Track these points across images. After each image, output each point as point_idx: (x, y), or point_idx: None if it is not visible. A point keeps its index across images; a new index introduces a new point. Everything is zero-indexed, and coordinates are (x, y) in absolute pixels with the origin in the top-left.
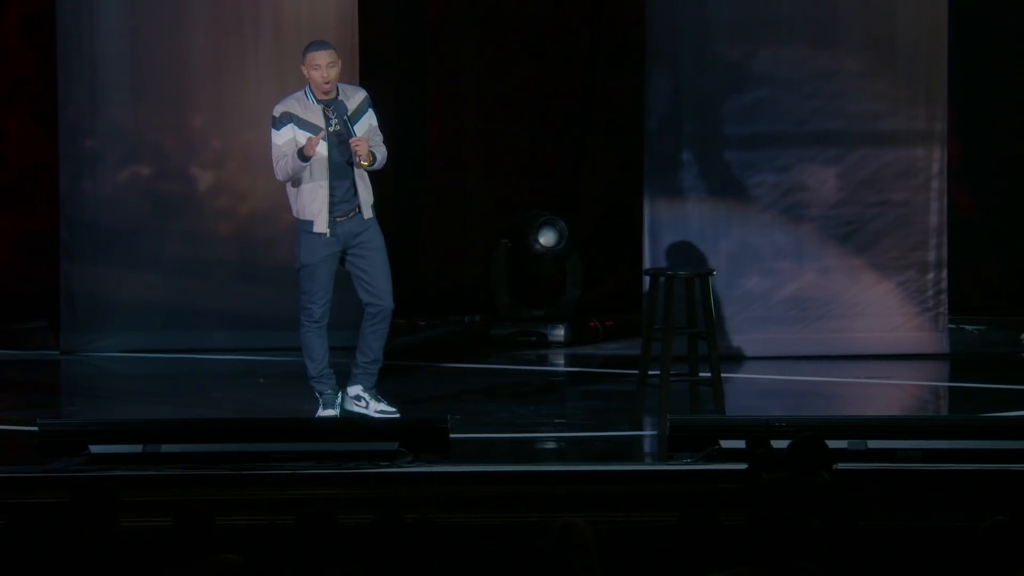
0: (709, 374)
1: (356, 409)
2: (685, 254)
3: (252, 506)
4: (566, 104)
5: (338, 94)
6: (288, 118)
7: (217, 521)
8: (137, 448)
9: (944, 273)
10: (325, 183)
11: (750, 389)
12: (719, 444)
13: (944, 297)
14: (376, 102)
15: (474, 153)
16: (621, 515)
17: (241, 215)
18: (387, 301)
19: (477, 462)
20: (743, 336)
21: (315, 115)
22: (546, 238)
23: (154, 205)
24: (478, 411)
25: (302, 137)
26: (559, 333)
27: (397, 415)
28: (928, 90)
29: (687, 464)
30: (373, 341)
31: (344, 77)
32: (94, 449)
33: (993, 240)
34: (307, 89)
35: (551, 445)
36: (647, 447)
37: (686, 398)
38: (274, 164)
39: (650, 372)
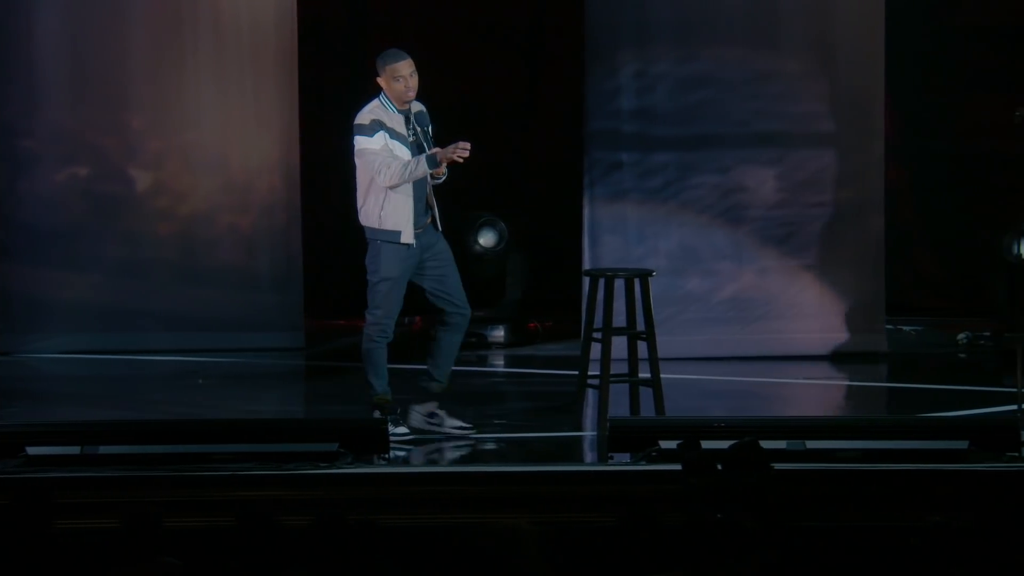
0: (649, 375)
1: (428, 427)
2: (625, 255)
3: (192, 508)
4: (506, 105)
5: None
6: (379, 125)
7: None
8: (75, 450)
9: (882, 273)
10: (411, 193)
11: (690, 390)
12: (659, 445)
13: (882, 298)
14: (314, 103)
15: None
16: (562, 516)
17: (181, 216)
18: (468, 308)
19: (418, 463)
20: (683, 337)
21: (399, 124)
22: (486, 239)
23: (93, 206)
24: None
25: (392, 146)
26: (499, 334)
27: (472, 430)
28: (866, 91)
29: (627, 465)
30: (454, 351)
31: (283, 78)
32: (31, 451)
33: (930, 241)
34: (383, 98)
35: (491, 446)
36: (587, 448)
37: (626, 399)
38: (377, 169)
39: (590, 373)
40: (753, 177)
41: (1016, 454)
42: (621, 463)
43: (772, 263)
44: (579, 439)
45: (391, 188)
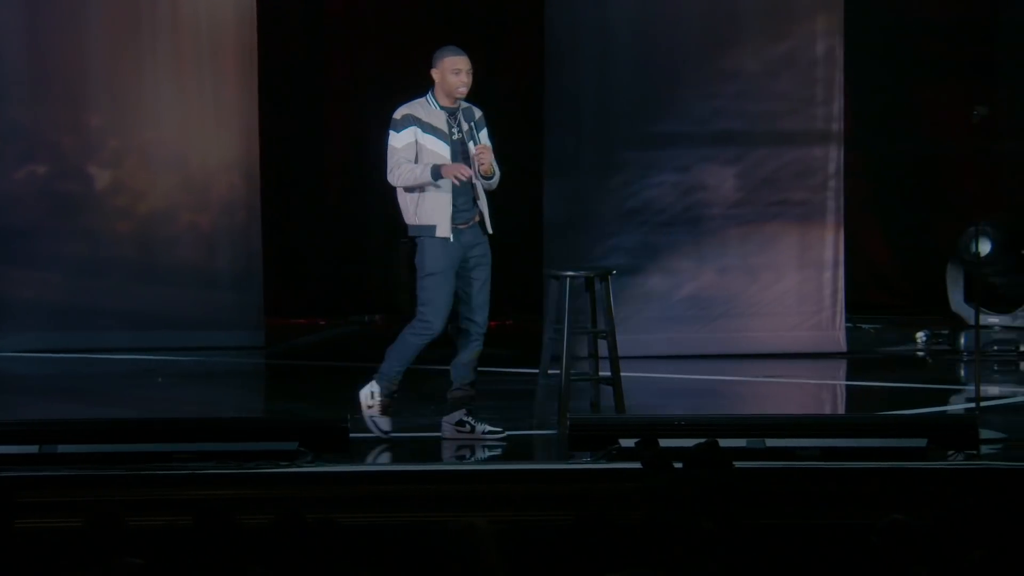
0: (609, 373)
1: (459, 435)
2: (585, 253)
3: (152, 507)
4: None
5: (461, 104)
6: (411, 120)
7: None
8: (33, 449)
9: (841, 272)
10: (448, 189)
11: (650, 388)
12: (619, 443)
13: (841, 296)
14: (274, 102)
15: (374, 152)
16: (522, 514)
17: (140, 214)
18: (484, 317)
19: (377, 462)
20: (643, 335)
21: (439, 120)
22: None
23: (52, 204)
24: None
25: (424, 140)
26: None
27: (502, 432)
28: (825, 90)
29: (587, 463)
30: (469, 359)
31: (243, 76)
32: None
33: (889, 240)
34: (431, 94)
35: (451, 444)
36: (547, 446)
37: (586, 397)
38: (389, 168)
39: (550, 371)
40: (713, 176)
41: (974, 452)
42: (581, 462)
43: (732, 261)
44: (539, 438)
45: (401, 187)
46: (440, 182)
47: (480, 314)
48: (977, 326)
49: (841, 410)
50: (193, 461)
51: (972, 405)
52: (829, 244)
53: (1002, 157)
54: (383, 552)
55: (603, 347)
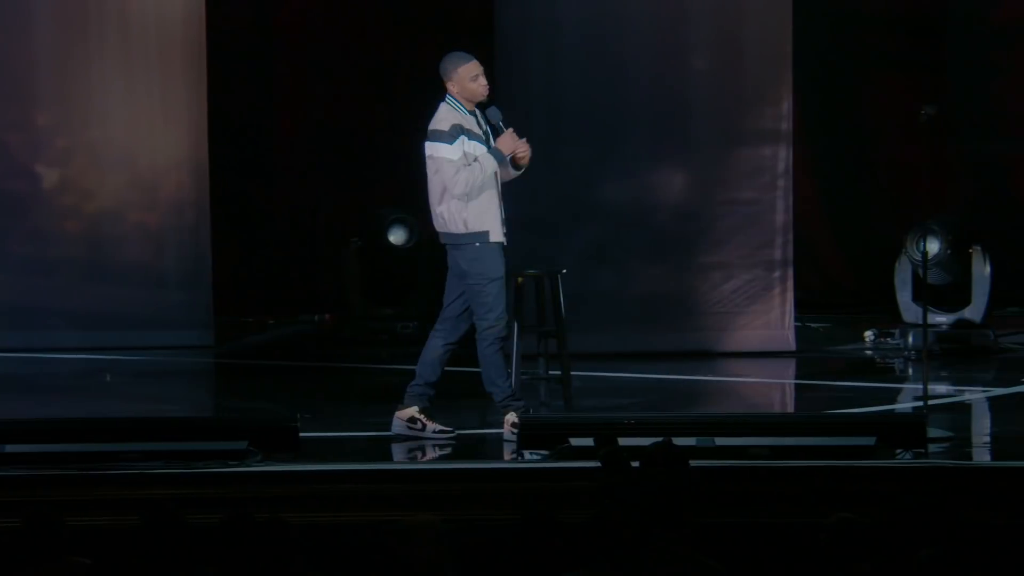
0: (559, 372)
1: (410, 432)
2: (536, 252)
3: (100, 507)
4: (417, 101)
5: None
6: (459, 130)
7: (66, 522)
8: None
9: (790, 271)
10: (496, 191)
11: (600, 387)
12: (569, 442)
13: (790, 295)
14: (223, 100)
15: (323, 150)
16: (472, 513)
17: (88, 213)
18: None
19: (327, 461)
20: (593, 334)
21: (473, 124)
22: (396, 236)
23: None
24: (328, 409)
25: (471, 148)
26: (410, 331)
27: (453, 432)
28: (774, 90)
29: (537, 462)
30: (442, 362)
31: (191, 75)
32: None
33: (838, 239)
34: (451, 101)
35: (401, 443)
36: (497, 445)
37: (537, 396)
38: (453, 179)
39: None
40: (663, 175)
41: (922, 450)
42: (531, 460)
43: (682, 260)
44: (490, 436)
45: (461, 197)
46: (488, 187)
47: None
48: (924, 325)
49: (790, 409)
50: (142, 461)
51: (920, 404)
52: (778, 243)
53: (950, 156)
54: (333, 551)
55: (553, 346)
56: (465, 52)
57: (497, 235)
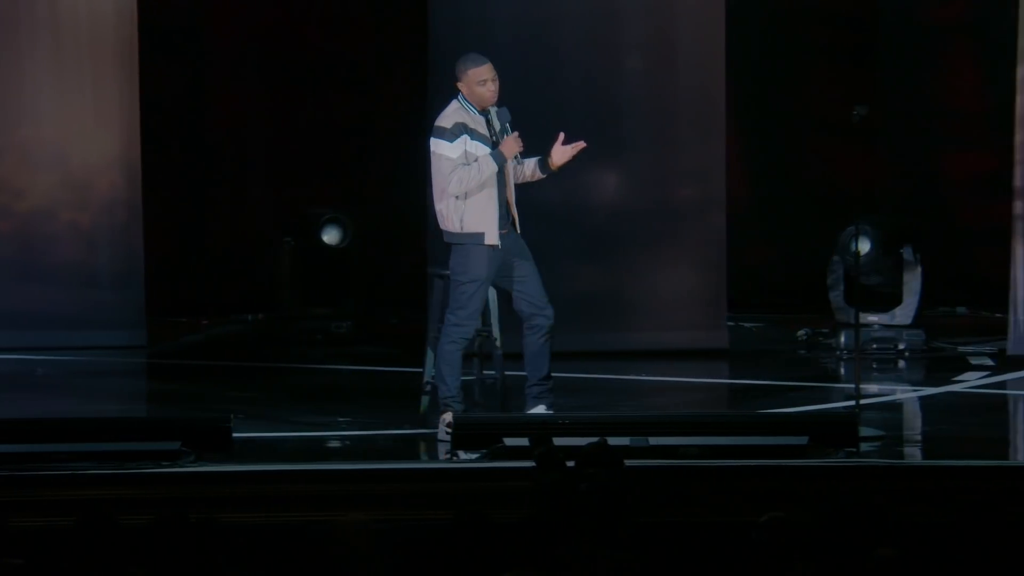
0: (494, 372)
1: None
2: None
3: (33, 507)
4: (350, 101)
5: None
6: (462, 129)
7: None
8: None
9: (723, 271)
10: (495, 193)
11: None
12: (503, 442)
13: (723, 295)
14: (155, 99)
15: (257, 150)
16: (405, 513)
17: (19, 213)
18: (550, 308)
19: (261, 461)
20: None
21: (481, 125)
22: (330, 236)
23: None
24: (262, 410)
25: (472, 147)
26: (344, 331)
27: None
28: (707, 90)
29: (471, 462)
30: (544, 356)
31: (123, 74)
32: None
33: (771, 239)
34: (462, 100)
35: (335, 443)
36: (431, 445)
37: (471, 396)
38: (448, 178)
39: (434, 371)
40: (597, 174)
41: (854, 449)
42: (465, 460)
43: (616, 260)
44: (423, 436)
45: (460, 196)
46: (487, 189)
47: (546, 306)
48: (857, 324)
49: (723, 408)
50: (74, 461)
51: (852, 403)
52: (712, 243)
53: (883, 157)
54: (266, 552)
55: (488, 346)
56: (480, 55)
57: (492, 238)
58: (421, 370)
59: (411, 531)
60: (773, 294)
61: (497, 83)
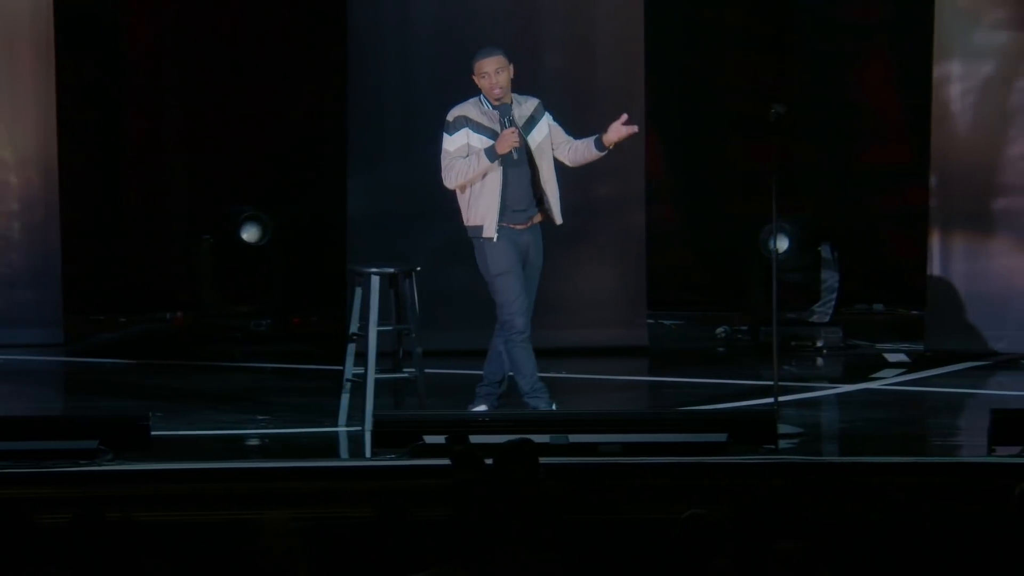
0: (414, 370)
1: None
2: (389, 250)
3: None
4: (271, 99)
5: (511, 100)
6: (463, 122)
7: None
8: None
9: (643, 269)
10: (498, 188)
11: (455, 385)
12: (423, 440)
13: (643, 292)
14: (73, 97)
15: (176, 147)
16: (324, 512)
17: None
18: (527, 320)
19: (180, 459)
20: (447, 332)
21: (491, 119)
22: (249, 234)
23: None
24: (181, 408)
25: (476, 141)
26: (264, 329)
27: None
28: (627, 89)
29: (391, 460)
30: (505, 360)
31: (39, 71)
32: None
33: (691, 237)
34: (482, 93)
35: (255, 442)
36: (351, 443)
37: (390, 394)
38: (443, 171)
39: (354, 369)
40: None
41: (773, 446)
42: (385, 458)
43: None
44: (343, 435)
45: (456, 187)
46: (488, 181)
47: (527, 317)
48: (775, 322)
49: (643, 406)
50: None
51: (770, 400)
52: (631, 241)
53: (800, 154)
54: (185, 551)
55: (409, 343)
56: (492, 47)
57: (489, 231)
58: (341, 368)
59: (331, 529)
60: (692, 292)
61: (502, 77)
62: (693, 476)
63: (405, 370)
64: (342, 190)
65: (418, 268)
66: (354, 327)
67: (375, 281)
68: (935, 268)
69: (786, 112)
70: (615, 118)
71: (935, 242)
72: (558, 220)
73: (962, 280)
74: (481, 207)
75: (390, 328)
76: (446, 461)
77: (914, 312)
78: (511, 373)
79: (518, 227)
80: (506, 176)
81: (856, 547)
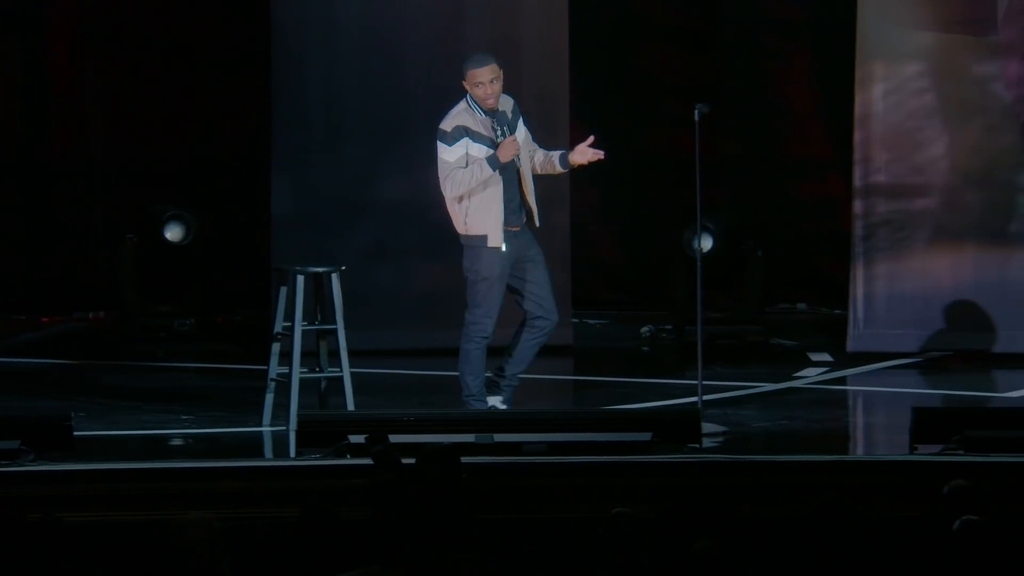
0: (338, 369)
1: None
2: (314, 249)
3: None
4: (195, 98)
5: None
6: (462, 132)
7: None
8: None
9: (568, 268)
10: (500, 195)
11: (379, 384)
12: (348, 439)
13: (568, 292)
14: None
15: (99, 147)
16: (250, 511)
17: None
18: (556, 315)
19: (103, 460)
20: (372, 331)
21: (485, 127)
22: (173, 233)
23: None
24: (103, 408)
25: (476, 151)
26: (187, 329)
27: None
28: (552, 88)
29: (316, 459)
30: (530, 356)
31: None
32: None
33: (616, 236)
34: (469, 100)
35: (178, 442)
36: (276, 443)
37: (315, 394)
38: (443, 180)
39: (279, 368)
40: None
41: (697, 445)
42: (310, 458)
43: (459, 258)
44: (268, 434)
45: (457, 197)
46: (489, 190)
47: (552, 310)
48: (700, 321)
49: (568, 405)
50: None
51: (695, 399)
52: (557, 239)
53: (724, 153)
54: (108, 551)
55: (333, 343)
56: (484, 55)
57: (496, 240)
58: (265, 368)
59: (256, 530)
60: (617, 291)
61: (497, 84)
62: (618, 475)
63: (330, 370)
64: (266, 189)
65: (343, 267)
66: (279, 326)
67: (300, 280)
68: (858, 267)
69: (710, 111)
70: (540, 120)
71: (858, 242)
72: (539, 223)
73: (884, 279)
74: (484, 216)
75: (315, 328)
76: (369, 460)
77: (837, 311)
78: (458, 374)
79: (514, 229)
80: (505, 182)
81: (780, 545)
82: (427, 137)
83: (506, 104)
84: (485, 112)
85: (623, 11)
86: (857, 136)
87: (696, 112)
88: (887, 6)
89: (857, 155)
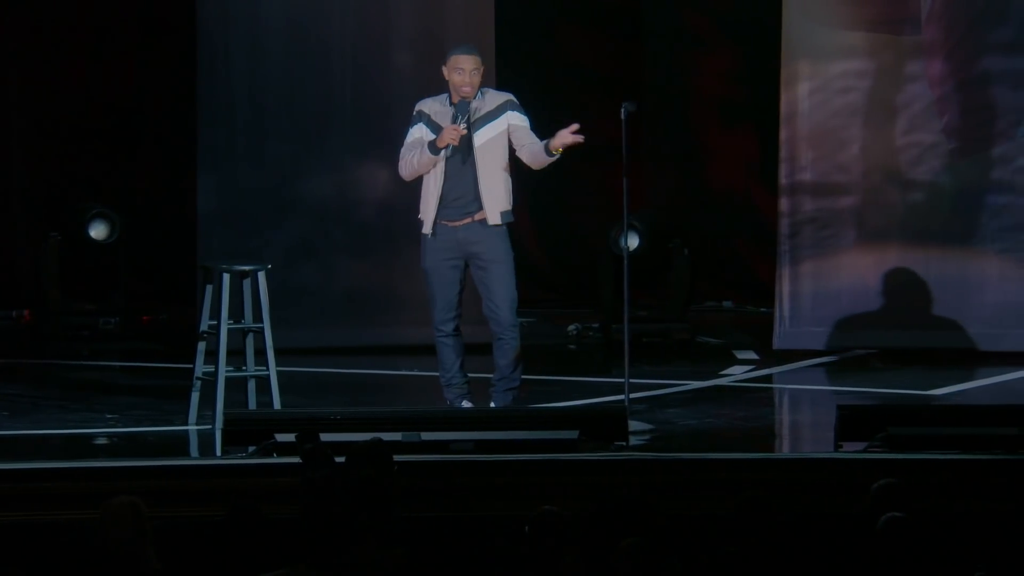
0: (264, 368)
1: None
2: (240, 247)
3: None
4: (118, 95)
5: (475, 98)
6: (420, 116)
7: None
8: None
9: None
10: (439, 184)
11: (306, 382)
12: (275, 438)
13: None
14: None
15: (21, 143)
16: (175, 511)
17: None
18: (503, 315)
19: (26, 459)
20: (299, 330)
21: (444, 116)
22: (97, 231)
23: None
24: (27, 407)
25: (427, 135)
26: (112, 327)
27: None
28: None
29: (241, 458)
30: (499, 357)
31: None
32: None
33: (541, 234)
34: (448, 91)
35: (103, 440)
36: (202, 442)
37: (242, 392)
38: (399, 160)
39: (205, 367)
40: (368, 171)
41: (624, 443)
42: (236, 457)
43: (386, 255)
44: (193, 433)
45: (409, 179)
46: (429, 178)
47: (498, 310)
48: (626, 319)
49: (494, 403)
50: None
51: (622, 397)
52: None
53: (650, 152)
54: (31, 551)
55: (258, 341)
56: (471, 46)
57: (426, 227)
58: (191, 366)
59: (182, 528)
60: (544, 289)
61: (476, 77)
62: (544, 473)
63: (256, 368)
64: (192, 187)
65: (269, 266)
66: (204, 325)
67: (226, 279)
68: (784, 265)
69: (636, 109)
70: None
71: (783, 240)
72: (491, 220)
73: (810, 277)
74: (423, 204)
75: (241, 326)
76: (297, 459)
77: (763, 309)
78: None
79: (454, 224)
80: (446, 172)
81: (705, 543)
82: (353, 134)
83: (494, 100)
84: (452, 103)
85: (549, 6)
86: (783, 134)
87: (623, 111)
88: (812, 5)
89: (783, 153)
